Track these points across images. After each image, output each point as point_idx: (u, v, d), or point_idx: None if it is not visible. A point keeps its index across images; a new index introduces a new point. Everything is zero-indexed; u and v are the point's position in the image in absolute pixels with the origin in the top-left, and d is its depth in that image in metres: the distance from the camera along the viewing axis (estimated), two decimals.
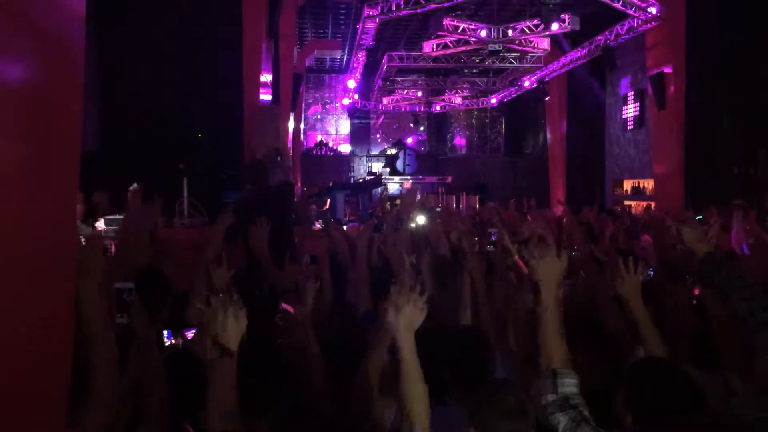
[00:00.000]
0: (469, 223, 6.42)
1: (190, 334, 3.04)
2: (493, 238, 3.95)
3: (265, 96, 9.57)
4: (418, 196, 5.03)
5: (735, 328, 2.49)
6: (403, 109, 23.67)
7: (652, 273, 3.52)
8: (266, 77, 9.56)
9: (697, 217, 9.44)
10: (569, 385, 2.15)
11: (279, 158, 6.06)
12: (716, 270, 2.34)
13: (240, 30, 8.63)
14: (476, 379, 2.43)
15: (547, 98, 18.74)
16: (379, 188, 10.96)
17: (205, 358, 2.44)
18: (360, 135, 25.33)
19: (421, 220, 5.38)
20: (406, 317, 1.98)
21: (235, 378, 1.99)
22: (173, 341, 3.04)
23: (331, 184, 9.43)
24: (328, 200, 8.77)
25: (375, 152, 24.49)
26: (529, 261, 2.29)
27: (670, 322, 3.23)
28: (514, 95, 20.48)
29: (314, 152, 23.83)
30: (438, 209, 8.13)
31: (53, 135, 1.72)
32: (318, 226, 6.35)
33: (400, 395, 2.01)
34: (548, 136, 19.81)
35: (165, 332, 3.02)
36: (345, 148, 24.80)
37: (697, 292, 3.66)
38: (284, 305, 3.23)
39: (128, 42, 9.20)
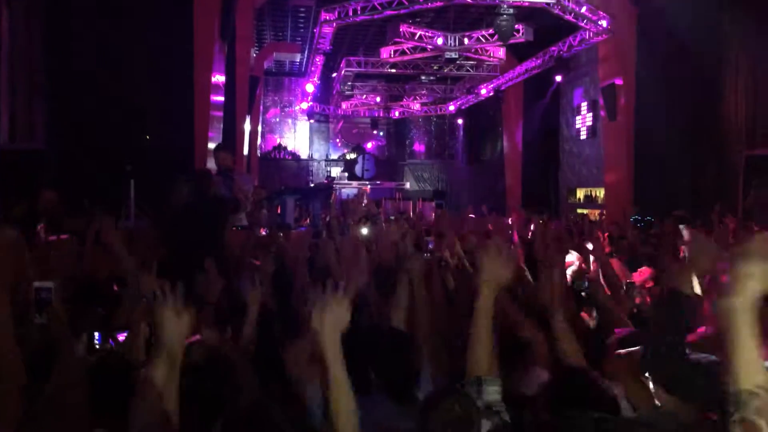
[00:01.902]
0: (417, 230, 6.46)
1: (121, 337, 2.98)
2: (431, 246, 3.98)
3: (218, 98, 9.50)
4: (365, 201, 5.02)
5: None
6: (362, 114, 23.70)
7: (587, 284, 3.58)
8: (218, 78, 9.47)
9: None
10: (493, 392, 2.17)
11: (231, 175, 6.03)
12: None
13: (191, 31, 8.54)
14: (399, 379, 2.45)
15: (504, 105, 19.00)
16: (331, 193, 10.93)
17: (136, 360, 2.40)
18: (319, 139, 25.26)
19: (365, 231, 5.39)
20: (330, 318, 1.90)
21: (173, 381, 1.93)
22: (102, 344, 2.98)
23: (282, 188, 9.36)
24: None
25: (334, 156, 24.44)
26: (478, 259, 2.28)
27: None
28: (471, 103, 20.70)
29: (273, 156, 23.66)
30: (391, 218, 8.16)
31: None
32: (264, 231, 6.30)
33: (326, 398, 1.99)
34: (505, 143, 20.07)
35: (96, 335, 2.96)
36: (304, 152, 24.68)
37: (638, 300, 3.74)
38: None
39: (78, 42, 9.04)
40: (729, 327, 1.25)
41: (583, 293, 3.50)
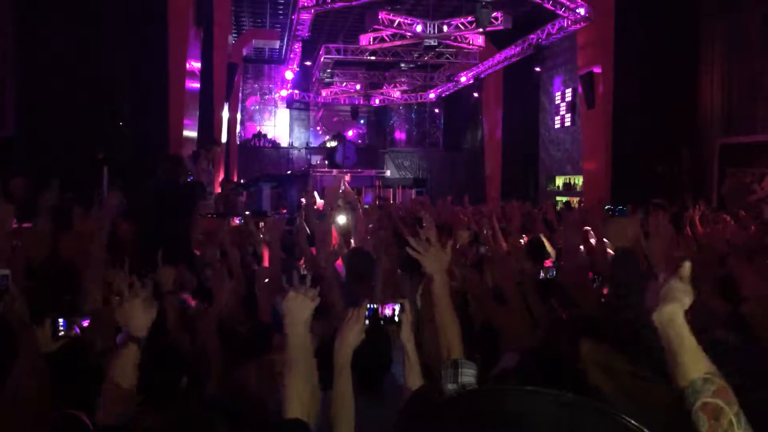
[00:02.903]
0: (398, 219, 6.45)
1: (86, 323, 2.96)
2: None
3: (194, 84, 9.39)
4: (342, 188, 5.00)
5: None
6: (342, 102, 23.59)
7: (555, 272, 3.59)
8: (194, 65, 9.35)
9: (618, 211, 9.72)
10: (468, 375, 2.18)
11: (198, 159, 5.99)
12: (625, 267, 2.36)
13: (165, 17, 8.41)
14: (371, 370, 2.45)
15: (483, 93, 19.02)
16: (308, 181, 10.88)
17: (101, 346, 2.38)
18: (300, 127, 25.12)
19: (342, 219, 5.38)
20: (294, 306, 1.95)
21: (136, 366, 2.01)
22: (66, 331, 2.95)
23: (258, 175, 9.31)
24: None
25: (314, 144, 24.32)
26: (416, 257, 2.31)
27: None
28: (451, 90, 20.69)
29: (252, 143, 23.49)
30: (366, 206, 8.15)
31: None
32: (237, 221, 6.25)
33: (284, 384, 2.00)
34: (485, 131, 20.11)
35: (60, 321, 2.93)
36: (284, 140, 24.54)
37: (606, 291, 3.76)
38: (184, 296, 3.17)
39: (50, 27, 8.87)
40: (671, 329, 1.36)
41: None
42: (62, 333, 2.64)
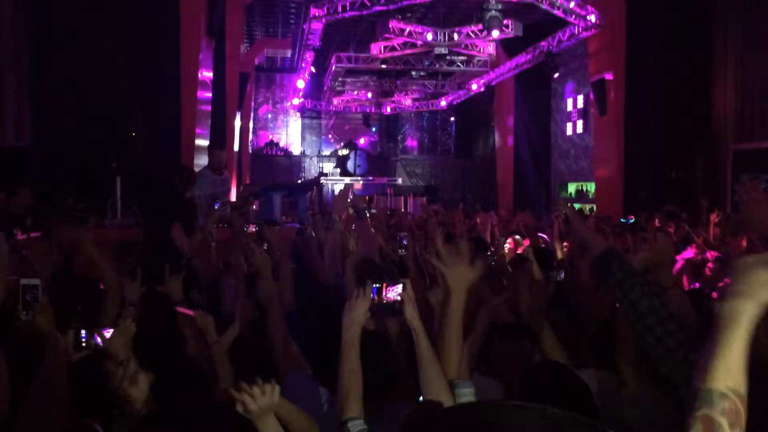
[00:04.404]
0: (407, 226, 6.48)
1: (107, 333, 3.00)
2: (405, 243, 3.99)
3: (206, 94, 9.48)
4: (350, 197, 5.03)
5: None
6: (353, 110, 23.67)
7: (563, 275, 3.60)
8: (206, 75, 9.44)
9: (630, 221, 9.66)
10: (466, 394, 2.21)
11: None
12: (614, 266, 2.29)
13: (177, 27, 8.50)
14: (376, 382, 2.46)
15: (495, 101, 19.02)
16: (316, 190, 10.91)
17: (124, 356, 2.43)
18: (311, 135, 25.23)
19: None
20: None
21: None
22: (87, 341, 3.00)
23: (270, 184, 9.36)
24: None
25: (326, 152, 24.41)
26: (439, 268, 2.33)
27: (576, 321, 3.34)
28: (462, 98, 20.70)
29: (265, 152, 23.61)
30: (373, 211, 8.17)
31: None
32: (252, 229, 6.28)
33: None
34: (496, 138, 20.09)
35: (82, 332, 2.97)
36: (296, 149, 24.65)
37: None
38: (181, 309, 3.20)
39: (65, 40, 9.00)
40: (725, 328, 1.17)
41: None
42: (84, 344, 2.70)
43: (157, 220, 4.75)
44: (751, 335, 1.15)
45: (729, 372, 1.13)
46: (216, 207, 6.17)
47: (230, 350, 2.96)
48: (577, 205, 16.93)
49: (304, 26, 14.02)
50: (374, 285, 2.22)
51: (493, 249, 4.75)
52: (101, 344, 2.62)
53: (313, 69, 17.80)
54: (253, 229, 6.16)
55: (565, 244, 5.35)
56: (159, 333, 2.97)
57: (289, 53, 20.33)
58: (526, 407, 0.78)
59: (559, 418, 0.77)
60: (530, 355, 2.79)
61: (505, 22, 11.93)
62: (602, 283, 2.59)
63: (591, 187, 16.42)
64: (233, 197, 8.90)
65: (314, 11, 12.07)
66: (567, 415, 0.77)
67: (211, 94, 10.18)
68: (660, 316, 1.93)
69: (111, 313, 3.12)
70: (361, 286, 2.20)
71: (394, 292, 2.27)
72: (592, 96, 13.87)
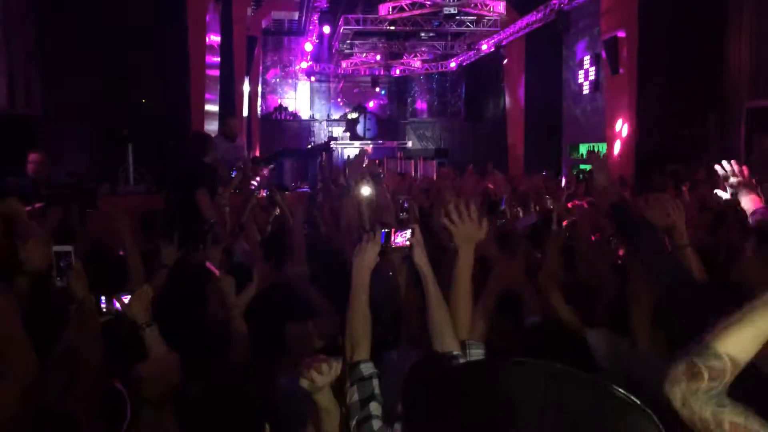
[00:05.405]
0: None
1: (126, 299, 3.08)
2: (406, 205, 4.00)
3: (214, 59, 9.42)
4: (366, 162, 5.02)
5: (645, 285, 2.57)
6: (362, 73, 23.43)
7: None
8: (213, 39, 9.37)
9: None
10: (476, 355, 2.24)
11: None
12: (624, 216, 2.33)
13: None
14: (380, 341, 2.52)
15: (505, 61, 18.74)
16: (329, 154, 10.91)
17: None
18: (320, 99, 25.06)
19: (366, 191, 5.40)
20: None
21: (163, 346, 2.17)
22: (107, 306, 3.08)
23: (280, 150, 9.35)
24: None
25: (336, 116, 24.27)
26: (448, 226, 2.35)
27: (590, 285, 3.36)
28: (473, 59, 20.43)
29: (274, 117, 23.52)
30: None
31: None
32: (263, 194, 6.33)
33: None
34: (507, 100, 19.87)
35: (102, 298, 3.05)
36: (305, 113, 24.53)
37: (621, 252, 3.77)
38: (208, 265, 3.26)
39: (72, 7, 8.94)
40: (760, 307, 1.22)
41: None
42: (105, 309, 2.77)
43: (180, 186, 4.76)
44: None
45: (738, 343, 1.20)
46: (233, 175, 6.21)
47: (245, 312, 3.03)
48: (587, 166, 16.83)
49: None
50: (383, 230, 2.26)
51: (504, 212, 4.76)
52: (120, 309, 2.70)
53: (328, 29, 17.54)
54: (264, 194, 6.21)
55: (569, 204, 5.36)
56: (188, 295, 3.05)
57: (296, 15, 20.08)
58: (532, 364, 0.81)
59: (563, 375, 0.79)
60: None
61: None
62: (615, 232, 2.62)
63: (603, 148, 16.25)
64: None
65: None
66: (572, 371, 0.80)
67: (219, 59, 10.11)
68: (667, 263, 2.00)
69: (136, 277, 3.20)
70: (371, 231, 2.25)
71: (402, 237, 2.29)
72: (604, 55, 13.64)
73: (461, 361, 2.09)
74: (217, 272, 3.21)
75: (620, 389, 0.79)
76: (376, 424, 1.84)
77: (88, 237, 4.13)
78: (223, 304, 3.11)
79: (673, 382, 1.19)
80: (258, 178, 5.93)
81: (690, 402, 1.17)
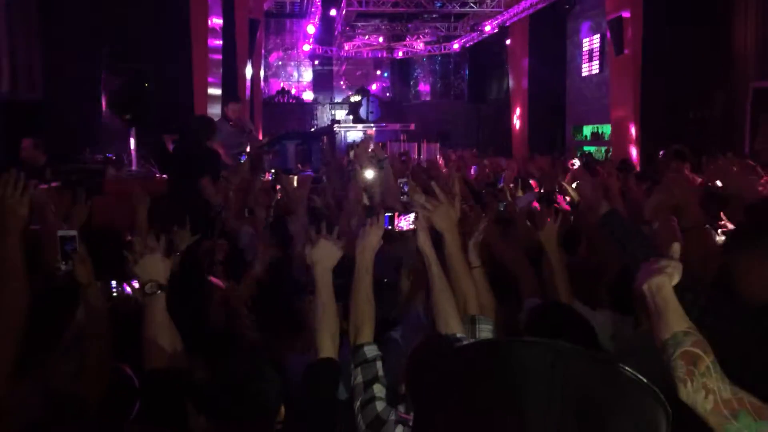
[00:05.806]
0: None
1: (137, 284, 3.09)
2: (406, 189, 3.99)
3: (216, 42, 9.38)
4: (371, 146, 5.02)
5: None
6: (365, 55, 23.29)
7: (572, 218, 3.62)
8: (216, 22, 9.32)
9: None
10: (485, 330, 2.26)
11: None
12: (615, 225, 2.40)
13: None
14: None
15: (509, 42, 18.61)
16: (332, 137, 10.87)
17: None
18: (323, 82, 24.95)
19: (370, 174, 5.39)
20: (321, 253, 2.10)
21: (167, 316, 2.11)
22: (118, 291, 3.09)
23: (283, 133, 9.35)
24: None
25: (338, 99, 24.18)
26: (425, 215, 2.36)
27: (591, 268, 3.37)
28: (476, 40, 20.27)
29: (276, 100, 23.45)
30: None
31: None
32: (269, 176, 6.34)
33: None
34: (510, 81, 19.74)
35: (112, 283, 3.06)
36: (308, 96, 24.44)
37: None
38: (213, 280, 3.26)
39: None
40: (656, 297, 1.50)
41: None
42: (115, 294, 2.78)
43: (184, 172, 4.76)
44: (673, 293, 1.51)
45: (679, 317, 1.45)
46: (242, 160, 6.20)
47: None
48: (592, 148, 16.79)
49: None
50: (386, 214, 2.26)
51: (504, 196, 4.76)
52: (131, 294, 2.70)
53: (333, 12, 17.38)
54: (269, 177, 6.21)
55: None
56: (196, 282, 3.06)
57: None
58: (539, 342, 0.81)
59: (570, 353, 0.79)
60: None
61: None
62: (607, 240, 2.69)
63: (607, 129, 16.19)
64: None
65: None
66: (579, 349, 0.80)
67: (221, 42, 10.07)
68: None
69: None
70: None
71: (406, 221, 2.31)
72: (608, 35, 13.52)
73: (467, 341, 2.11)
74: (221, 285, 3.22)
75: (627, 368, 0.80)
76: (380, 405, 1.86)
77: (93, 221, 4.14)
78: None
79: (685, 379, 1.34)
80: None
81: (709, 385, 1.31)
